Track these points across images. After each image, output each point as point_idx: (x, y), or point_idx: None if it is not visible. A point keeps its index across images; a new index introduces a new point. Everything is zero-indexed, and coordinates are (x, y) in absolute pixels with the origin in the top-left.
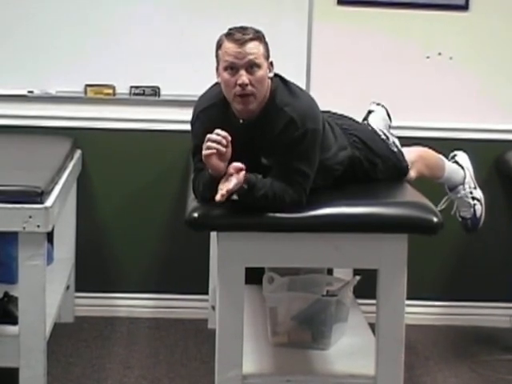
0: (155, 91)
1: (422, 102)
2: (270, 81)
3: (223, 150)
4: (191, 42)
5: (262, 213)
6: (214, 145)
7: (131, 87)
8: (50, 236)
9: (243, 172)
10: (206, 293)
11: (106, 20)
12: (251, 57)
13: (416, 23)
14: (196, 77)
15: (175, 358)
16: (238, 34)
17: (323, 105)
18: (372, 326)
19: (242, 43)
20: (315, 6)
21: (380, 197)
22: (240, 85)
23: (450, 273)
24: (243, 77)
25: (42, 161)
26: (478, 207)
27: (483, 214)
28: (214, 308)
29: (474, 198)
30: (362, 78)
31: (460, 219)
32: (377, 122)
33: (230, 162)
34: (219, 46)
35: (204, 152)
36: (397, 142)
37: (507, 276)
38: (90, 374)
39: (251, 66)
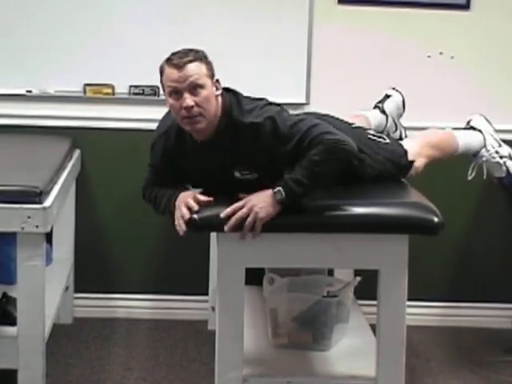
0: (155, 91)
1: (423, 102)
2: (220, 98)
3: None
4: (191, 42)
5: None
6: (183, 226)
7: (130, 87)
8: (48, 236)
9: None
10: (206, 294)
11: (105, 19)
12: (192, 78)
13: (417, 22)
14: None
15: (175, 359)
16: (177, 59)
17: (323, 104)
18: (373, 327)
19: (181, 67)
20: (316, 4)
21: (380, 197)
22: (185, 108)
23: (451, 273)
24: (187, 100)
25: (41, 161)
26: (510, 163)
27: None
28: (213, 309)
29: (502, 157)
30: (363, 77)
31: (496, 180)
32: (391, 109)
33: (200, 184)
34: (161, 72)
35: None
36: (402, 133)
37: (509, 277)
38: (89, 376)
39: (194, 88)
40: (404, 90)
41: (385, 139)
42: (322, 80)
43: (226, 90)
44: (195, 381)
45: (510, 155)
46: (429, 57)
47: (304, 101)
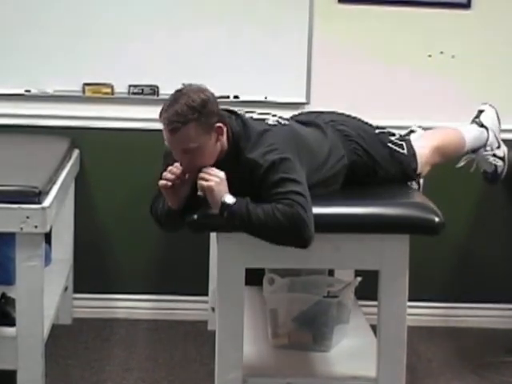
0: (154, 90)
1: (424, 101)
2: (225, 135)
3: (178, 182)
4: (190, 41)
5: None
6: (169, 175)
7: (130, 86)
8: (47, 237)
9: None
10: (206, 294)
11: (104, 18)
12: (183, 145)
13: (418, 21)
14: (195, 75)
15: (175, 360)
16: (167, 122)
17: (323, 103)
18: (373, 328)
19: (171, 132)
20: (316, 4)
21: (381, 197)
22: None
23: (452, 273)
24: (179, 161)
25: (40, 160)
26: (500, 164)
27: (505, 170)
28: (213, 309)
29: (496, 158)
30: (363, 77)
31: (481, 170)
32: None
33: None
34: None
35: (160, 182)
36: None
37: (510, 277)
38: (88, 377)
39: (186, 150)
40: (404, 89)
41: (403, 149)
42: (323, 79)
43: (235, 115)
44: (195, 381)
45: (504, 157)
46: (429, 56)
47: (304, 100)
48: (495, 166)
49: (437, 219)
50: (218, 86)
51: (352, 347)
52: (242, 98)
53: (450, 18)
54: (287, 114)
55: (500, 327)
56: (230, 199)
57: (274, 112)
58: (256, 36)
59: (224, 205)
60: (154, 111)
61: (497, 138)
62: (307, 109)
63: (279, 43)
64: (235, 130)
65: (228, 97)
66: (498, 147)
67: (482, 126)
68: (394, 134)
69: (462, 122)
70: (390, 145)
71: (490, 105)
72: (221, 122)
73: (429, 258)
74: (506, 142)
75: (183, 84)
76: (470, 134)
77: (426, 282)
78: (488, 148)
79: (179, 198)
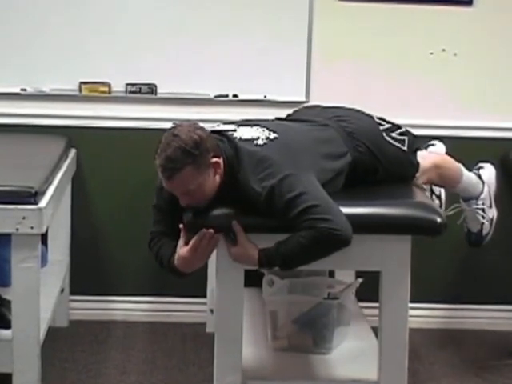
0: (152, 89)
1: (426, 100)
2: (221, 163)
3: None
4: (189, 39)
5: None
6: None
7: (127, 85)
8: (43, 237)
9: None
10: (205, 296)
11: (101, 16)
12: (180, 189)
13: (419, 19)
14: (193, 74)
15: (172, 362)
16: (162, 169)
17: (324, 102)
18: (375, 330)
19: (167, 178)
20: (316, 1)
21: (383, 197)
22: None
23: (454, 275)
24: (181, 201)
25: (36, 160)
26: (487, 226)
27: (490, 234)
28: (212, 311)
29: (484, 217)
30: (364, 75)
31: (465, 230)
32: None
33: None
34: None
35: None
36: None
37: None
38: (85, 380)
39: (186, 192)
40: (406, 87)
41: (403, 145)
42: (322, 78)
43: (226, 137)
44: None
45: (491, 219)
46: (431, 54)
47: (304, 99)
48: (481, 225)
49: (439, 219)
50: (217, 85)
51: (353, 349)
52: (241, 97)
53: (453, 15)
54: (286, 112)
55: (503, 329)
56: (261, 260)
57: (272, 111)
58: (255, 34)
59: (259, 265)
60: (151, 110)
61: (490, 198)
62: None
63: (278, 41)
64: (229, 154)
65: (227, 95)
66: (490, 207)
67: (479, 178)
68: (396, 129)
69: (464, 120)
70: (391, 141)
71: (491, 163)
72: (216, 156)
73: (431, 259)
74: (507, 140)
75: (174, 123)
76: (468, 176)
77: (428, 283)
78: (480, 202)
79: (194, 268)
